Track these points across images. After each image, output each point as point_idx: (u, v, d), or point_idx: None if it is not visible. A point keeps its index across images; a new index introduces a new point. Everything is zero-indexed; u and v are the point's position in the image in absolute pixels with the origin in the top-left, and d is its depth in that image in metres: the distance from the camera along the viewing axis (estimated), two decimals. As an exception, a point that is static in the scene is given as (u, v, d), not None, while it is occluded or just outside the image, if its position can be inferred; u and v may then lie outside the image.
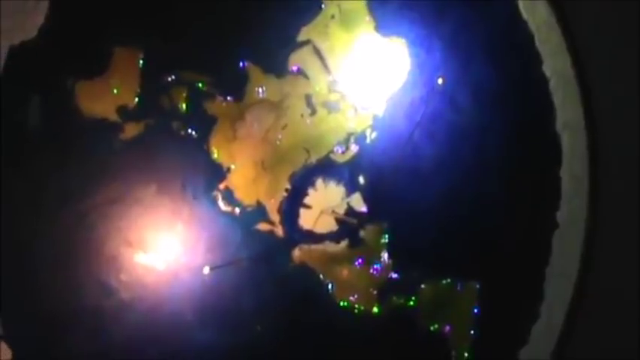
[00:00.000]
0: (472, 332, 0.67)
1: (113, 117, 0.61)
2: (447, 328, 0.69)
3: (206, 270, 0.61)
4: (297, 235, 0.64)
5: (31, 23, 0.60)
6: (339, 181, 0.64)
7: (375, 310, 0.68)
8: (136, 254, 0.61)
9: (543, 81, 0.67)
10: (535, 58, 0.67)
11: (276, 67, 0.63)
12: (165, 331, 0.62)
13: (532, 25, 0.66)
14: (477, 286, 0.66)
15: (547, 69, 0.67)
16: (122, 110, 0.61)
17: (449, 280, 0.66)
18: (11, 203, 0.59)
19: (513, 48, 0.66)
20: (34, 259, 0.60)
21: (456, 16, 0.68)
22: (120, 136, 0.61)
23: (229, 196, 0.63)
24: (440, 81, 0.67)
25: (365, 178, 0.65)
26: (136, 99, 0.61)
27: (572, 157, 0.67)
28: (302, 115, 0.63)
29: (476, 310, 0.67)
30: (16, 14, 0.59)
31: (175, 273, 0.62)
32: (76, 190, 0.60)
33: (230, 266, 0.61)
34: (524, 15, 0.66)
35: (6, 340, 0.59)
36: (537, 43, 0.67)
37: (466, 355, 0.67)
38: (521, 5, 0.66)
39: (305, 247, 0.64)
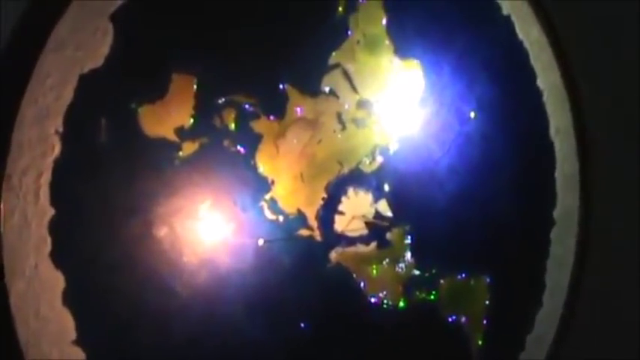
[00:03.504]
0: (485, 322, 0.93)
1: (172, 137, 0.83)
2: (463, 319, 0.93)
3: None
4: (333, 239, 0.88)
5: (98, 53, 0.80)
6: (367, 189, 0.89)
7: (401, 304, 0.90)
8: (194, 260, 0.83)
9: (538, 93, 0.94)
10: (531, 74, 0.93)
11: (311, 88, 0.86)
12: (221, 327, 0.84)
13: (527, 44, 0.93)
14: (488, 279, 0.93)
15: (541, 83, 0.93)
16: (179, 130, 0.83)
17: (463, 275, 0.92)
18: (84, 214, 0.80)
19: (512, 65, 0.93)
20: (105, 265, 0.81)
21: (463, 39, 0.96)
22: (178, 154, 0.83)
23: (274, 206, 0.86)
24: (449, 97, 0.99)
25: (389, 186, 0.89)
26: (191, 120, 0.83)
27: (564, 159, 0.94)
28: (334, 131, 0.87)
29: (487, 302, 0.93)
30: (86, 45, 0.86)
31: (227, 276, 0.84)
32: (142, 203, 0.81)
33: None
34: (520, 36, 0.92)
35: (80, 343, 0.85)
36: (532, 60, 0.93)
37: (480, 342, 0.93)
38: (517, 27, 0.92)
39: (340, 249, 0.88)
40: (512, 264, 0.95)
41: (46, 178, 0.78)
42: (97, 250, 0.80)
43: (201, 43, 0.83)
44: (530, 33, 0.94)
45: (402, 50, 0.89)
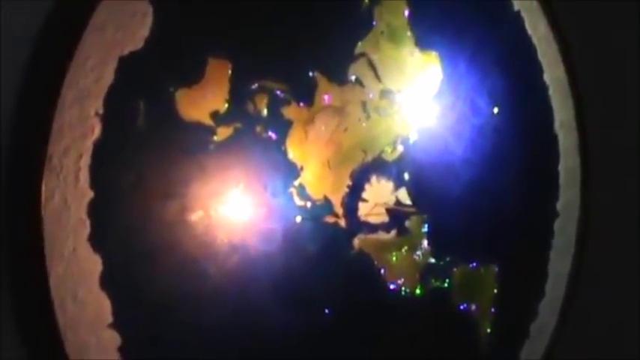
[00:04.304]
0: (493, 310, 1.01)
1: (207, 121, 0.86)
2: (474, 307, 1.00)
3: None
4: (357, 226, 0.94)
5: (138, 36, 0.82)
6: (389, 177, 0.96)
7: (418, 291, 0.97)
8: (226, 244, 0.87)
9: (544, 88, 1.02)
10: (538, 68, 1.01)
11: (338, 76, 0.92)
12: (250, 310, 0.89)
13: (535, 40, 1.00)
14: (496, 269, 1.01)
15: (547, 77, 1.01)
16: (214, 115, 0.87)
17: (474, 265, 0.99)
18: (122, 197, 0.83)
19: (521, 60, 1.00)
20: (141, 248, 0.84)
21: (476, 33, 1.02)
22: (213, 138, 0.87)
23: (302, 192, 0.91)
24: (464, 90, 1.07)
25: (409, 175, 0.96)
26: (226, 105, 0.87)
27: (567, 153, 1.02)
28: (359, 120, 0.93)
29: (495, 291, 1.01)
30: (125, 27, 0.90)
31: (257, 260, 0.88)
32: (177, 187, 0.85)
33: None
34: (529, 31, 1.00)
35: (117, 327, 0.89)
36: (539, 55, 1.01)
37: (488, 330, 1.01)
38: (526, 23, 1.00)
39: (362, 236, 0.94)
40: (519, 254, 1.03)
41: (86, 160, 0.82)
42: (133, 233, 0.84)
43: (236, 30, 0.87)
44: (538, 28, 1.02)
45: (422, 42, 0.97)
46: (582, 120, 1.04)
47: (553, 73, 1.04)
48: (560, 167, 1.04)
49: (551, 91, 1.03)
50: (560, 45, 1.03)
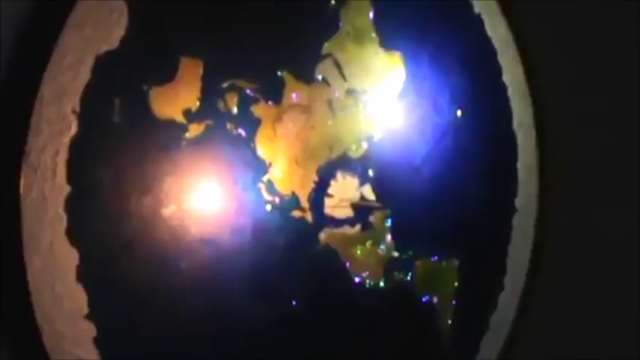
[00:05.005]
0: (454, 302, 1.08)
1: (180, 118, 0.93)
2: (435, 299, 1.07)
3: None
4: (323, 221, 1.00)
5: (114, 35, 0.87)
6: (353, 173, 1.02)
7: (382, 284, 1.03)
8: (198, 238, 0.94)
9: (503, 88, 1.09)
10: (497, 69, 1.08)
11: (306, 75, 0.99)
12: (221, 303, 0.96)
13: (495, 42, 1.07)
14: (457, 263, 1.08)
15: (506, 78, 1.08)
16: (187, 112, 0.93)
17: (436, 258, 1.06)
18: (98, 192, 0.89)
19: (481, 60, 1.07)
20: (117, 242, 0.90)
21: (438, 34, 1.11)
22: (185, 135, 0.93)
23: (271, 188, 0.98)
24: (427, 89, 1.16)
25: (373, 171, 1.02)
26: (198, 102, 0.93)
27: (525, 151, 1.09)
28: (325, 118, 0.99)
29: (456, 284, 1.08)
30: (102, 26, 0.96)
31: (228, 254, 0.94)
32: (151, 181, 0.91)
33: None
34: (489, 33, 1.07)
35: (92, 318, 0.97)
36: (499, 56, 1.08)
37: (449, 322, 1.07)
38: (487, 25, 1.07)
39: (328, 230, 1.01)
40: (479, 248, 1.10)
41: (63, 156, 0.88)
42: (109, 227, 0.91)
43: (208, 30, 0.93)
44: (498, 30, 1.08)
45: (386, 42, 1.05)
46: (541, 119, 1.11)
47: (512, 74, 1.11)
48: (519, 165, 1.11)
49: (510, 92, 1.10)
50: (519, 46, 1.10)
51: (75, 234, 0.90)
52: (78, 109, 0.86)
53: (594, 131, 1.15)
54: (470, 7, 1.09)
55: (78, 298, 0.88)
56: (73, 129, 0.87)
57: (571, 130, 1.14)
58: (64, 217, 0.89)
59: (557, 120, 1.12)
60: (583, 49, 1.11)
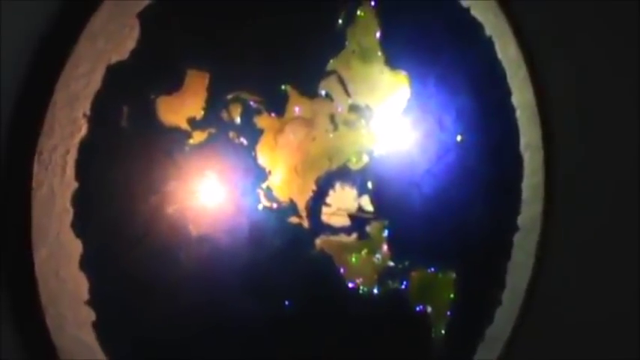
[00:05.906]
0: (448, 313, 1.14)
1: (184, 126, 1.01)
2: (429, 309, 1.12)
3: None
4: (319, 228, 1.08)
5: (125, 47, 0.96)
6: (352, 185, 1.10)
7: (375, 291, 1.10)
8: (197, 235, 1.02)
9: (512, 109, 1.14)
10: (506, 91, 1.13)
11: (309, 90, 1.06)
12: (217, 298, 1.04)
13: (505, 63, 1.12)
14: (454, 275, 1.14)
15: (515, 100, 1.13)
16: (191, 120, 1.02)
17: (433, 270, 1.13)
18: (104, 190, 0.99)
19: (490, 82, 1.12)
20: (119, 235, 1.00)
21: (448, 55, 1.07)
22: (189, 141, 1.02)
23: (269, 194, 1.06)
24: (432, 107, 1.23)
25: (372, 184, 1.09)
26: (202, 112, 1.02)
27: (532, 172, 1.14)
28: (327, 130, 1.06)
29: (452, 295, 1.14)
30: (114, 39, 1.09)
31: (225, 252, 1.03)
32: (155, 183, 1.00)
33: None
34: (499, 55, 1.12)
35: (92, 304, 1.09)
36: (508, 78, 1.13)
37: (442, 332, 1.13)
38: (497, 47, 1.12)
39: (324, 237, 1.08)
40: (477, 263, 1.16)
41: (73, 155, 0.98)
42: (113, 222, 1.02)
43: (214, 44, 1.02)
44: (508, 52, 1.14)
45: (392, 61, 1.13)
46: (549, 141, 1.16)
47: (522, 96, 1.15)
48: (524, 184, 1.16)
49: (518, 114, 1.15)
50: (529, 68, 1.15)
51: (80, 226, 0.99)
52: (89, 113, 0.95)
53: (602, 153, 1.21)
54: (481, 29, 1.15)
55: (80, 285, 0.98)
56: (83, 131, 0.96)
57: (579, 153, 1.19)
58: (71, 211, 0.99)
59: (567, 142, 1.18)
60: (595, 71, 1.16)
